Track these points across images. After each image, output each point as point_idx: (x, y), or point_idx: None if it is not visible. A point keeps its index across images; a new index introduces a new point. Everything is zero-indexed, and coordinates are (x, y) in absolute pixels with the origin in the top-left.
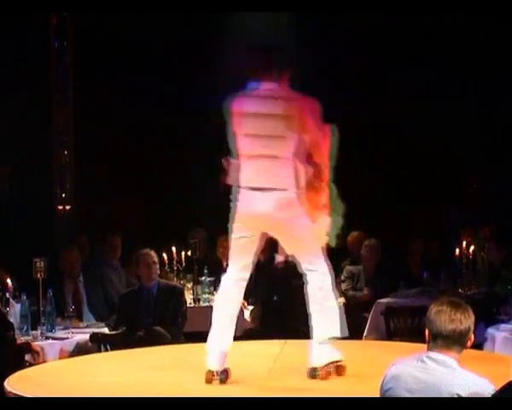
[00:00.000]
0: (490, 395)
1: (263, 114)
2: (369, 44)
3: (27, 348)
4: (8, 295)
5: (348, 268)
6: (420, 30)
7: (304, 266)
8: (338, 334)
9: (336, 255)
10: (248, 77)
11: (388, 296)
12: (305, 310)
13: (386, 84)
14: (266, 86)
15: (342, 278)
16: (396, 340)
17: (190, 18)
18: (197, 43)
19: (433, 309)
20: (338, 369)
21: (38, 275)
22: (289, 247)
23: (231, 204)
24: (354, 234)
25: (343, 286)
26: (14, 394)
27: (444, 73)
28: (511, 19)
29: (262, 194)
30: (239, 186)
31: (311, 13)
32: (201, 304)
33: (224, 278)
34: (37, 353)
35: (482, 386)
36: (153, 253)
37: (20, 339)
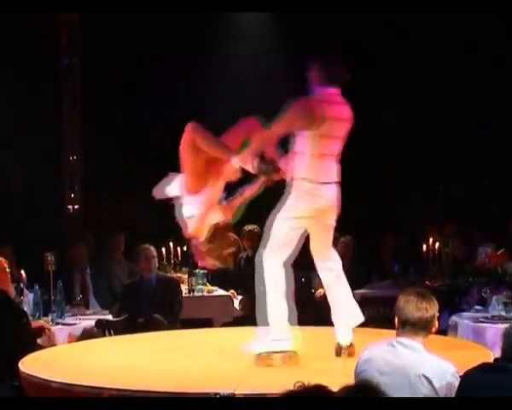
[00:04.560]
0: (451, 375)
1: (340, 118)
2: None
3: (40, 332)
4: (22, 285)
5: None
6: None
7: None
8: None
9: None
10: (317, 83)
11: (363, 288)
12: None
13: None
14: (336, 91)
15: None
16: (369, 327)
17: (198, 32)
18: (206, 56)
19: (402, 299)
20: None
21: (49, 267)
22: (320, 239)
23: (284, 197)
24: None
25: None
26: (28, 374)
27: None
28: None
29: (327, 187)
30: (300, 180)
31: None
32: (195, 294)
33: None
34: (49, 329)
35: (444, 367)
36: (152, 248)
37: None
